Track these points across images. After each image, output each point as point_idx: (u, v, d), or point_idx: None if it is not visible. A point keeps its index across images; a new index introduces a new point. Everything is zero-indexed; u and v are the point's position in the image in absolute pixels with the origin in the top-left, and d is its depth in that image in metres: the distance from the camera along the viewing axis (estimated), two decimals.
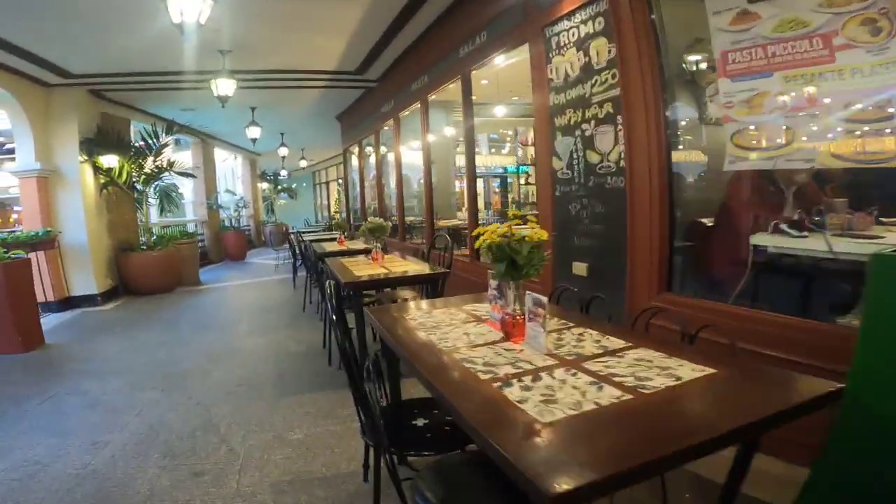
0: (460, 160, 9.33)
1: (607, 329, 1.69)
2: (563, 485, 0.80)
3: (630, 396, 1.15)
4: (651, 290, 2.59)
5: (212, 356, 4.33)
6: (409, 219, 7.89)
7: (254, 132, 9.23)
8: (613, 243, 2.83)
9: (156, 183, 8.10)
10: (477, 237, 1.63)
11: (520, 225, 1.64)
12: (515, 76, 5.13)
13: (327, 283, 2.07)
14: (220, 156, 14.43)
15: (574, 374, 1.30)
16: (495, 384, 1.25)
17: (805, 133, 2.01)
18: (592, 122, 2.97)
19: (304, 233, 9.55)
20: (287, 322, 5.49)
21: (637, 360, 1.38)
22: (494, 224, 1.67)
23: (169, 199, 8.41)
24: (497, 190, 13.94)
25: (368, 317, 2.14)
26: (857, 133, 1.87)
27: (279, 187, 18.47)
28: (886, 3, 1.71)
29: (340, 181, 21.59)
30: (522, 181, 13.12)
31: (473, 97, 8.71)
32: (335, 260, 4.19)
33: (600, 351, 1.48)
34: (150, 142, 7.65)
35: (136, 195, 7.77)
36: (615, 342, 1.55)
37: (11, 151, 8.77)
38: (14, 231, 6.53)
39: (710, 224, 2.79)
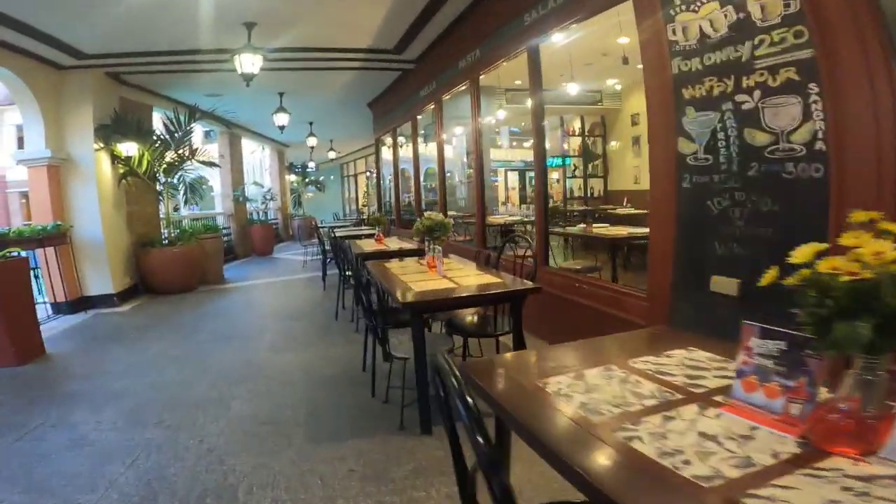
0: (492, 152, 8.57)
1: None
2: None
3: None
4: None
5: (230, 378, 3.63)
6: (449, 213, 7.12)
7: (281, 119, 8.58)
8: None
9: (180, 173, 7.53)
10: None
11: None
12: (573, 53, 4.27)
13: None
14: (248, 148, 13.94)
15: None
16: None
17: None
18: (756, 93, 2.09)
19: (334, 227, 8.88)
20: (318, 333, 4.77)
21: None
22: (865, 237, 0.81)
23: (194, 190, 7.84)
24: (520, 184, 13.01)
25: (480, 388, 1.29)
26: None
27: (307, 179, 17.93)
28: None
29: (369, 173, 21.03)
30: (551, 175, 12.20)
31: (518, 82, 7.91)
32: (379, 265, 3.42)
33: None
34: (172, 129, 7.04)
35: (158, 186, 7.20)
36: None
37: None
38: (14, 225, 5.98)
39: None
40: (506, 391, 1.18)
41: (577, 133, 10.39)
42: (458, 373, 0.86)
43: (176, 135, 7.05)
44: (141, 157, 6.59)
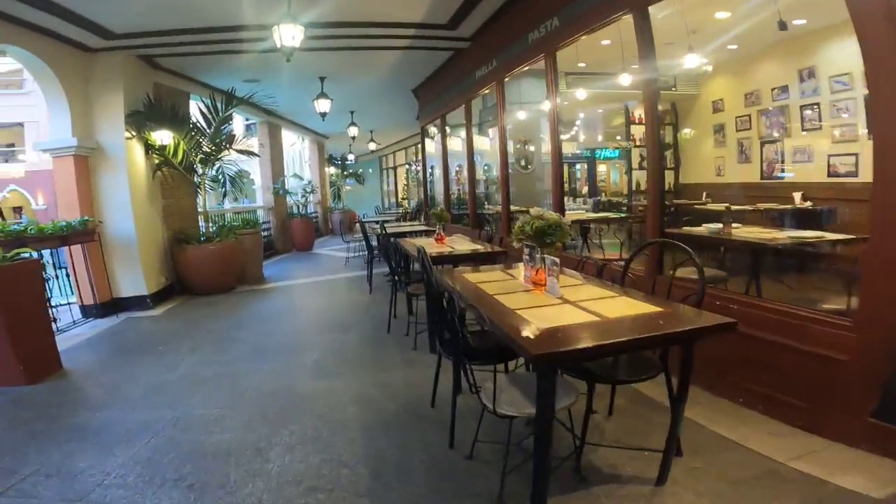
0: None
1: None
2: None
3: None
4: None
5: (269, 412, 2.93)
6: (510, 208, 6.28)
7: (323, 105, 7.96)
8: None
9: (219, 165, 6.99)
10: None
11: None
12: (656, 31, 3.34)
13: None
14: (287, 140, 13.50)
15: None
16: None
17: None
18: None
19: (380, 222, 8.18)
20: (369, 350, 4.04)
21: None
22: None
23: (234, 183, 7.28)
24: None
25: None
26: None
27: (346, 172, 17.40)
28: None
29: (410, 166, 20.38)
30: (599, 167, 11.14)
31: (581, 64, 6.92)
32: (460, 277, 2.63)
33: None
34: (209, 116, 6.48)
35: (195, 178, 6.67)
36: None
37: None
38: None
39: None
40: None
41: (642, 121, 9.27)
42: None
43: (213, 122, 6.49)
44: (176, 146, 6.05)
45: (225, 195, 7.56)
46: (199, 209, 7.06)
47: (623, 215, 7.19)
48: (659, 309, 1.79)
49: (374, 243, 6.19)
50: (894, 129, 1.83)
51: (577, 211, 7.48)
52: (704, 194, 7.57)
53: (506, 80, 5.77)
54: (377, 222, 8.53)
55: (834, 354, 2.06)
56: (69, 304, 5.09)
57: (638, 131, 9.32)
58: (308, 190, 11.81)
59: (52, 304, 4.81)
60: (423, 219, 10.00)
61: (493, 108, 7.67)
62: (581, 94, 6.88)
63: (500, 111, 5.93)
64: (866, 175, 2.03)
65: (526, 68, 5.34)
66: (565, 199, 6.03)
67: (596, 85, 7.51)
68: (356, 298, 6.02)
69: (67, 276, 5.19)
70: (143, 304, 5.64)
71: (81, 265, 5.11)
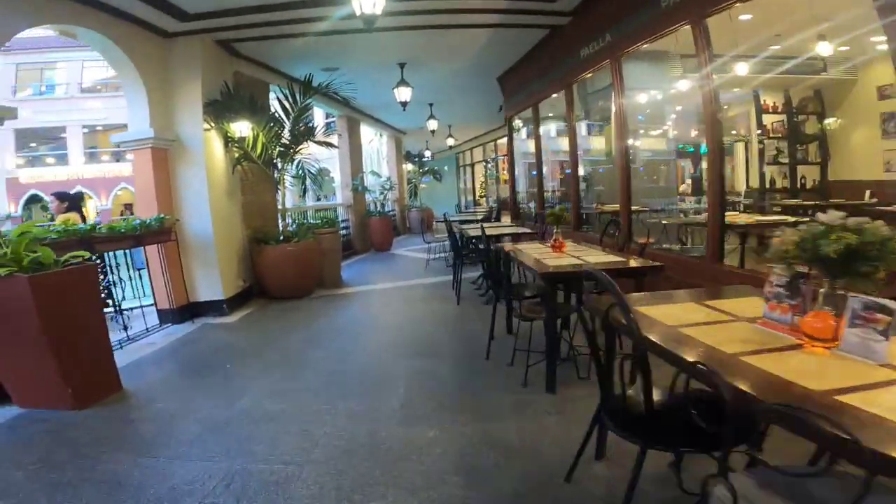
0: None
1: None
2: None
3: None
4: None
5: (345, 471, 2.20)
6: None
7: (404, 94, 7.34)
8: None
9: (298, 160, 6.57)
10: None
11: None
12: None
13: None
14: (365, 137, 13.19)
15: None
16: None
17: None
18: None
19: (479, 224, 7.41)
20: (467, 386, 3.21)
21: None
22: None
23: (314, 178, 6.85)
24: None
25: None
26: None
27: (423, 169, 16.90)
28: None
29: (487, 162, 19.54)
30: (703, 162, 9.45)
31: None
32: (642, 314, 1.71)
33: None
34: (286, 106, 6.03)
35: (274, 173, 6.28)
36: None
37: None
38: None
39: None
40: None
41: (778, 109, 7.62)
42: None
43: (292, 112, 6.03)
44: (255, 138, 5.65)
45: (305, 192, 7.15)
46: (279, 206, 6.70)
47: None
48: None
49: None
50: None
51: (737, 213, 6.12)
52: (868, 193, 6.00)
53: (623, 57, 4.73)
54: (461, 221, 7.76)
55: None
56: (142, 307, 4.78)
57: (770, 121, 7.70)
58: (387, 187, 11.34)
59: (125, 308, 4.56)
60: (511, 219, 9.15)
61: (596, 93, 6.59)
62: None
63: (618, 92, 4.86)
64: None
65: (643, 46, 4.29)
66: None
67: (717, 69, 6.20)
68: (442, 310, 5.25)
69: (141, 277, 4.94)
70: (220, 310, 5.27)
71: (157, 267, 4.80)
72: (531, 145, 9.63)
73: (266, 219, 6.59)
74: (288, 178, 6.65)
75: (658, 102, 6.80)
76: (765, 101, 7.61)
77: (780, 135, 7.57)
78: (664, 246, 4.97)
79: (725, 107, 6.61)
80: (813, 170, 7.41)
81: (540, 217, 7.20)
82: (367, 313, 5.38)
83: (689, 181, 8.15)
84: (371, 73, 7.31)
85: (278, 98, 6.21)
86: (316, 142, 6.45)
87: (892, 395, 1.03)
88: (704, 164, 6.89)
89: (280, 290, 5.97)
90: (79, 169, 22.41)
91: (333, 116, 10.30)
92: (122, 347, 4.22)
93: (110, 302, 5.70)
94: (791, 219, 5.31)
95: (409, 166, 16.57)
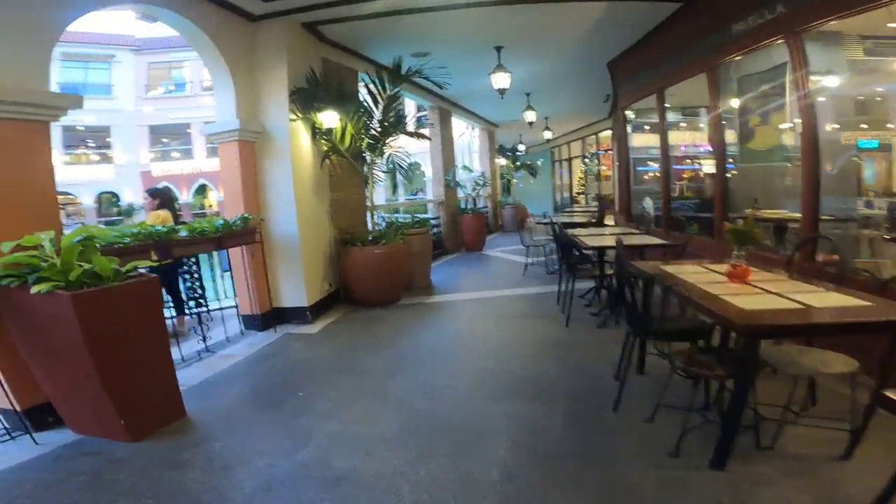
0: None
1: None
2: None
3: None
4: None
5: None
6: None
7: (501, 80, 6.53)
8: None
9: (388, 153, 6.03)
10: None
11: None
12: None
13: None
14: (456, 131, 12.55)
15: None
16: None
17: None
18: None
19: (571, 225, 6.40)
20: (591, 453, 2.29)
21: None
22: None
23: (405, 173, 6.27)
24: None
25: None
26: None
27: (517, 163, 15.89)
28: None
29: (587, 157, 18.01)
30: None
31: None
32: None
33: None
34: (376, 93, 5.45)
35: (363, 167, 5.76)
36: None
37: None
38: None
39: None
40: None
41: None
42: None
43: (380, 101, 5.45)
44: (343, 129, 5.14)
45: (396, 188, 6.60)
46: (368, 204, 6.20)
47: None
48: None
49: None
50: None
51: None
52: None
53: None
54: (566, 225, 6.76)
55: None
56: (219, 309, 4.46)
57: None
58: (480, 182, 10.57)
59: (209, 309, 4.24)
60: (615, 220, 7.98)
61: (748, 78, 5.23)
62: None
63: (802, 76, 3.59)
64: None
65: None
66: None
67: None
68: (548, 333, 4.34)
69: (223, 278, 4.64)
70: (302, 318, 4.84)
71: (241, 270, 4.44)
72: (640, 139, 8.30)
73: (354, 217, 6.12)
74: (377, 173, 6.13)
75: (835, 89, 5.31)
76: None
77: None
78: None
79: None
80: None
81: (668, 222, 5.97)
82: (458, 331, 4.62)
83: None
84: (463, 59, 6.58)
85: (366, 86, 5.66)
86: (407, 133, 5.83)
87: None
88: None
89: (365, 297, 5.45)
90: (201, 163, 24.52)
91: (424, 109, 9.73)
92: (200, 359, 3.90)
93: (202, 302, 5.55)
94: None
95: (501, 161, 15.67)
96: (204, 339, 3.92)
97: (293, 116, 4.72)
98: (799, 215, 3.72)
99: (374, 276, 5.34)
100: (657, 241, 4.07)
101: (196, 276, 5.54)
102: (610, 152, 16.21)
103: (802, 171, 3.61)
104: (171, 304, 4.71)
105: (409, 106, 10.80)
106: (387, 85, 5.43)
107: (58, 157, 22.17)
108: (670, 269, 2.95)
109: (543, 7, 4.91)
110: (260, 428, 2.75)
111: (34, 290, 2.14)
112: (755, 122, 5.25)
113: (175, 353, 3.75)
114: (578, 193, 18.39)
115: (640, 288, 2.73)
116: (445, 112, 9.73)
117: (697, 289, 2.37)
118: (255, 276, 4.55)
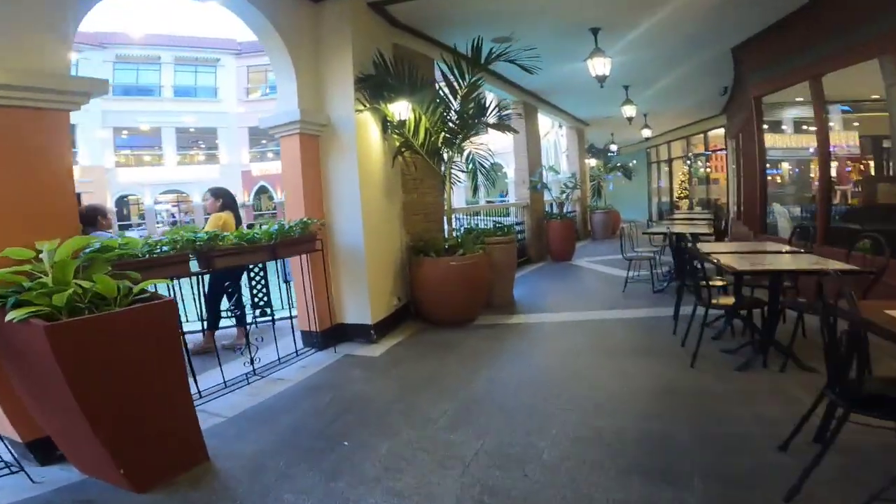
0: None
1: None
2: None
3: None
4: None
5: None
6: None
7: (598, 65, 5.62)
8: None
9: (468, 150, 5.32)
10: None
11: None
12: None
13: None
14: (541, 129, 11.56)
15: None
16: None
17: None
18: None
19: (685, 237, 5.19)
20: None
21: None
22: None
23: (486, 174, 5.54)
24: None
25: None
26: None
27: (610, 164, 14.47)
28: None
29: (691, 158, 16.05)
30: None
31: None
32: None
33: None
34: (453, 81, 4.73)
35: (441, 166, 5.08)
36: None
37: None
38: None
39: None
40: None
41: None
42: None
43: (459, 90, 4.73)
44: (417, 122, 4.50)
45: (477, 189, 5.85)
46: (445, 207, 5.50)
47: None
48: None
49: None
50: None
51: None
52: None
53: None
54: (681, 235, 5.58)
55: None
56: (269, 319, 3.97)
57: None
58: (570, 185, 9.51)
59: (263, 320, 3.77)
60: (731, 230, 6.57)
61: None
62: None
63: None
64: None
65: None
66: None
67: None
68: (668, 375, 3.32)
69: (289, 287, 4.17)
70: (366, 336, 4.25)
71: (300, 280, 3.95)
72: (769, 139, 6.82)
73: (430, 222, 5.47)
74: (457, 173, 5.43)
75: None
76: None
77: None
78: None
79: None
80: None
81: (826, 237, 4.61)
82: (545, 367, 3.72)
83: None
84: (552, 45, 5.73)
85: (443, 73, 4.98)
86: (489, 124, 5.06)
87: None
88: None
89: (437, 315, 4.75)
90: None
91: (508, 109, 8.91)
92: (248, 383, 3.42)
93: (268, 311, 5.16)
94: None
95: (591, 162, 14.35)
96: (252, 362, 3.42)
97: (360, 107, 4.15)
98: None
99: (448, 291, 4.62)
100: (841, 265, 2.87)
101: (262, 283, 5.20)
102: (720, 152, 14.30)
103: None
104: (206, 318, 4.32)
105: (491, 101, 10.04)
106: (466, 73, 4.68)
107: (172, 156, 24.52)
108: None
109: None
110: (289, 489, 2.12)
111: (8, 317, 1.67)
112: None
113: (215, 377, 3.32)
114: (679, 198, 16.45)
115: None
116: (531, 108, 8.84)
117: None
118: (315, 288, 4.03)
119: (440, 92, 4.94)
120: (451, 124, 4.76)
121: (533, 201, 8.65)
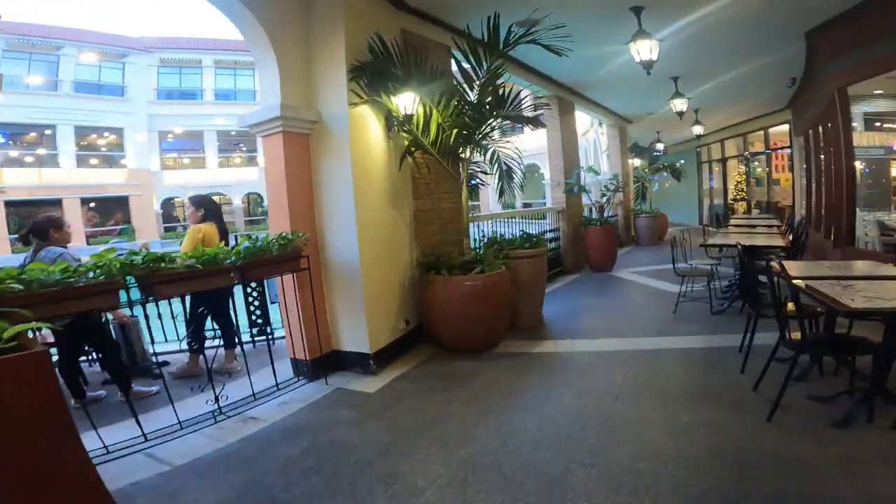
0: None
1: None
2: None
3: None
4: None
5: None
6: None
7: (644, 48, 4.94)
8: None
9: (492, 148, 4.67)
10: None
11: None
12: None
13: None
14: (580, 127, 10.68)
15: None
16: None
17: None
18: None
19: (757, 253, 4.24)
20: None
21: None
22: None
23: (511, 175, 4.88)
24: None
25: None
26: None
27: (655, 165, 13.34)
28: None
29: (747, 158, 14.64)
30: None
31: None
32: None
33: None
34: (470, 65, 4.04)
35: (458, 168, 4.43)
36: None
37: None
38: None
39: None
40: None
41: None
42: None
43: (476, 79, 4.05)
44: (427, 117, 3.87)
45: (502, 193, 5.16)
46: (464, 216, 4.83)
47: None
48: None
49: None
50: None
51: None
52: None
53: None
54: (751, 250, 4.69)
55: None
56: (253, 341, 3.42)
57: None
58: (611, 187, 8.62)
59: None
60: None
61: None
62: None
63: None
64: None
65: None
66: None
67: None
68: (737, 434, 2.50)
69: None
70: (364, 365, 3.64)
71: (287, 303, 3.39)
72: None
73: (447, 233, 4.81)
74: (479, 175, 4.76)
75: None
76: None
77: None
78: None
79: None
80: None
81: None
82: (573, 415, 2.92)
83: None
84: (588, 29, 4.95)
85: (456, 61, 4.33)
86: (509, 117, 4.37)
87: None
88: None
89: (450, 341, 4.07)
90: None
91: (530, 100, 8.14)
92: (216, 422, 2.89)
93: (266, 330, 4.76)
94: None
95: (635, 162, 13.28)
96: (216, 400, 2.87)
97: (355, 99, 3.55)
98: None
99: (462, 317, 3.93)
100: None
101: (258, 300, 4.75)
102: (783, 150, 12.93)
103: None
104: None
105: (510, 91, 9.29)
106: (483, 60, 3.98)
107: (213, 159, 25.09)
108: None
109: None
110: None
111: None
112: None
113: (196, 406, 2.81)
114: (735, 200, 15.03)
115: None
116: (566, 103, 8.03)
117: None
118: (303, 311, 3.46)
119: (455, 83, 4.29)
120: (466, 119, 4.09)
121: (569, 205, 7.82)
